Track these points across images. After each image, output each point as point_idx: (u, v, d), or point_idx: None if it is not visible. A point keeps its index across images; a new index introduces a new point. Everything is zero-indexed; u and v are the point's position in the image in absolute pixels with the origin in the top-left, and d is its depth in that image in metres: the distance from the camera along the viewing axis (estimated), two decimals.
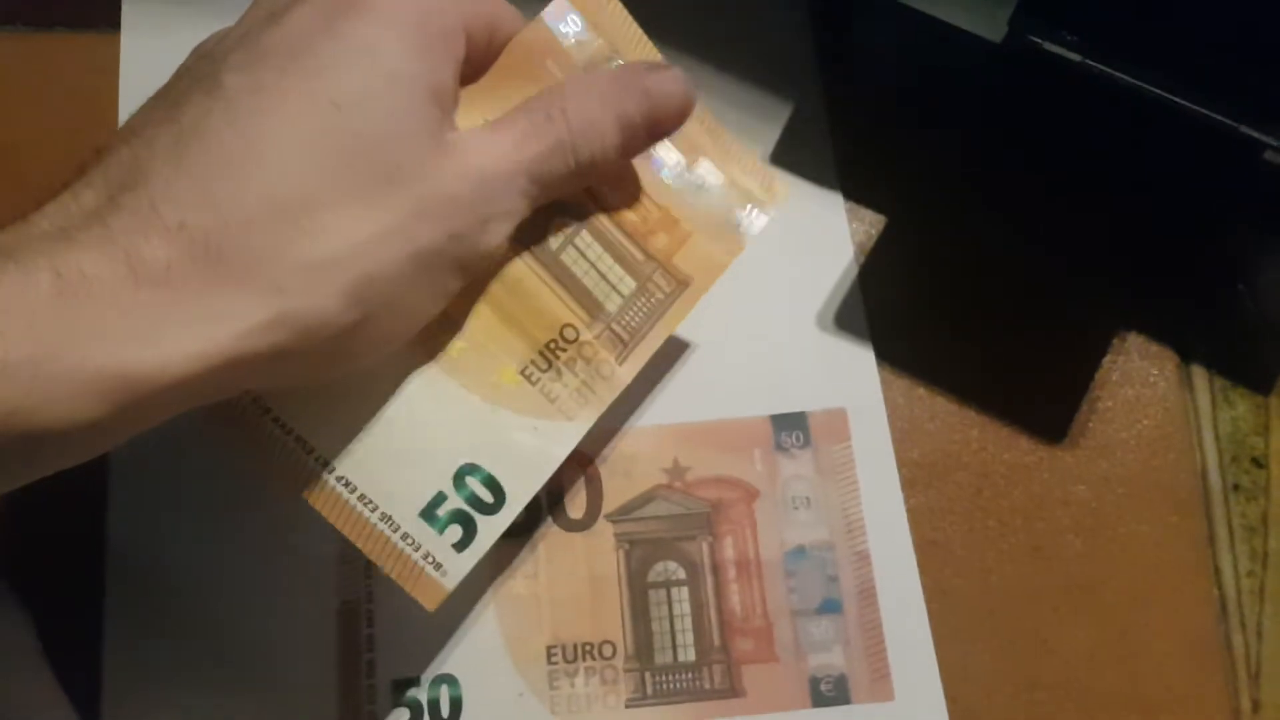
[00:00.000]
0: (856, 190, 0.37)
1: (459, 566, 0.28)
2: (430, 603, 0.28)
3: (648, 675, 0.32)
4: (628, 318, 0.30)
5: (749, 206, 0.32)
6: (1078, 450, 0.35)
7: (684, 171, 0.31)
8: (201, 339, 0.23)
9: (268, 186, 0.24)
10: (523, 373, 0.29)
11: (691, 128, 0.31)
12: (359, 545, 0.28)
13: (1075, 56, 0.31)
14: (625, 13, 0.31)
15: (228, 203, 0.23)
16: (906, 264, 0.36)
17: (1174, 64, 0.31)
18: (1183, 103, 0.31)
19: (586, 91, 0.28)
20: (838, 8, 0.39)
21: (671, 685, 0.32)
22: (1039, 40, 0.31)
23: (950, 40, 0.34)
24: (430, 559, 0.28)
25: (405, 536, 0.28)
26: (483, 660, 0.32)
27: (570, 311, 0.30)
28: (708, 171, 0.31)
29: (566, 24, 0.30)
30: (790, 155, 0.37)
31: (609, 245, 0.30)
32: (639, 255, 0.30)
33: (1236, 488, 0.35)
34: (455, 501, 0.28)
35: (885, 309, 0.36)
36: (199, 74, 0.25)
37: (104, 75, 0.38)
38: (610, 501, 0.34)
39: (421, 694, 0.32)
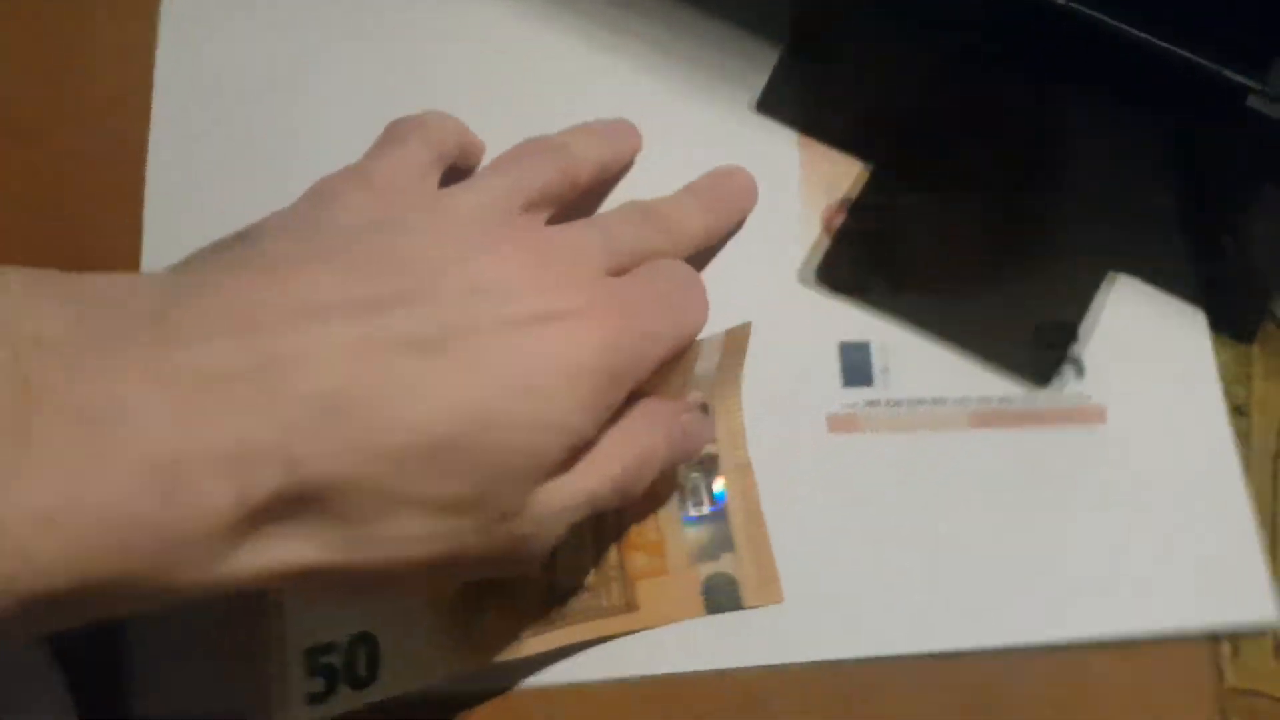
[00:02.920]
0: (835, 136, 0.37)
1: (302, 714, 0.29)
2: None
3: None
4: (568, 605, 0.30)
5: (735, 589, 0.32)
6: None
7: (702, 524, 0.31)
8: (250, 569, 0.22)
9: (394, 478, 0.23)
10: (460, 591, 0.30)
11: (735, 504, 0.32)
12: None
13: None
14: (741, 368, 0.32)
15: (357, 464, 0.22)
16: (890, 205, 0.36)
17: (1157, 6, 0.31)
18: (1165, 45, 0.31)
19: (649, 430, 0.28)
20: None
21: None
22: None
23: None
24: (297, 693, 0.29)
25: (284, 662, 0.30)
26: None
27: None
28: (725, 538, 0.32)
29: (707, 356, 0.31)
30: (776, 102, 0.37)
31: (599, 535, 0.31)
32: (614, 560, 0.31)
33: None
34: (335, 657, 0.30)
35: (866, 251, 0.36)
36: (408, 289, 0.24)
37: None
38: None
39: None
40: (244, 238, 0.26)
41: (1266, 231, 0.35)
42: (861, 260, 0.35)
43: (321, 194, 0.27)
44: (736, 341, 0.31)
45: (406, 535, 0.24)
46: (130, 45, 0.37)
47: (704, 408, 0.32)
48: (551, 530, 0.26)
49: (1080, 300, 0.35)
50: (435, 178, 0.30)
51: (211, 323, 0.22)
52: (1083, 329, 0.35)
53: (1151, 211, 0.36)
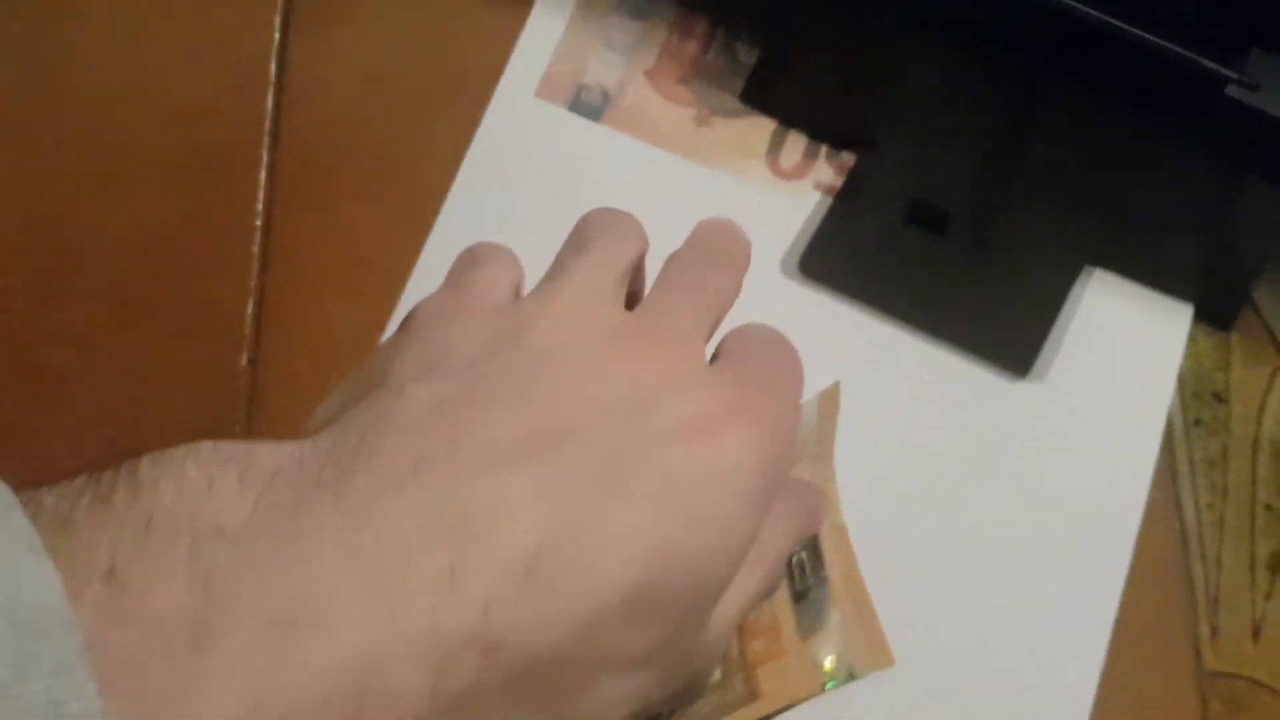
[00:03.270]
0: (825, 129, 0.37)
1: None
2: None
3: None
4: (699, 707, 0.29)
5: (848, 661, 0.30)
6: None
7: (808, 597, 0.30)
8: None
9: (594, 642, 0.21)
10: None
11: (835, 571, 0.30)
12: None
13: None
14: (834, 428, 0.31)
15: (560, 634, 0.21)
16: (878, 199, 0.36)
17: None
18: (1144, 36, 0.32)
19: (786, 518, 0.27)
20: None
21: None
22: None
23: None
24: None
25: None
26: None
27: None
28: (829, 607, 0.30)
29: (805, 421, 0.30)
30: (762, 96, 0.37)
31: None
32: (734, 651, 0.29)
33: (1198, 422, 0.35)
34: None
35: (848, 243, 0.36)
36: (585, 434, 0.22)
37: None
38: None
39: None
40: (381, 380, 0.23)
41: (1245, 220, 0.35)
42: (844, 252, 0.36)
43: (425, 322, 0.25)
44: (830, 402, 0.30)
45: (604, 705, 0.22)
46: (123, 41, 0.38)
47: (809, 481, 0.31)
48: (721, 649, 0.25)
49: (1059, 292, 0.35)
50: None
51: (389, 491, 0.20)
52: (1060, 321, 0.35)
53: (1130, 203, 0.36)
